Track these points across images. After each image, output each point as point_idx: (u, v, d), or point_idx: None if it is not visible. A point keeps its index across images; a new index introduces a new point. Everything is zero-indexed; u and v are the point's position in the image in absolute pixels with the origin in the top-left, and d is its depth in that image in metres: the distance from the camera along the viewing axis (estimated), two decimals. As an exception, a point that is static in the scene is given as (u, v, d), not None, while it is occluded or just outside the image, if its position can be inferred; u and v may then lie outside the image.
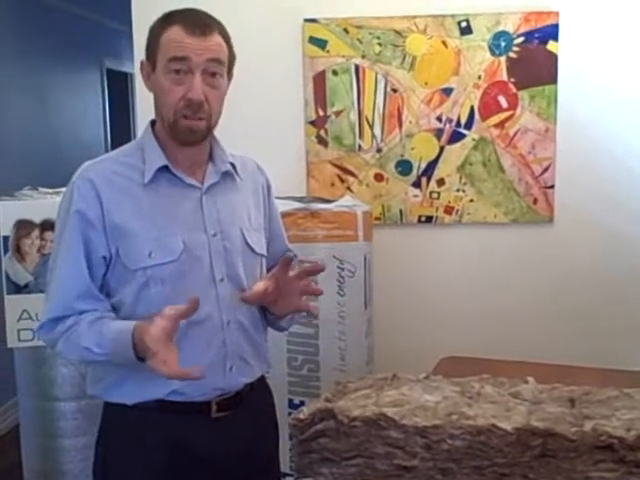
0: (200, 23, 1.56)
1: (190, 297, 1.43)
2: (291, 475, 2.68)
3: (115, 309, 1.60)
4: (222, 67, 1.58)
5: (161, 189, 1.59)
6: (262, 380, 1.77)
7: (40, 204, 2.72)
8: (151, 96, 1.62)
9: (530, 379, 1.83)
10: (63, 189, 1.63)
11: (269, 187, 1.81)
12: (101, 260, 1.57)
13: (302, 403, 2.56)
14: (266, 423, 1.80)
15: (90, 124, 5.97)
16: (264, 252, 1.73)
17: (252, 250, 1.68)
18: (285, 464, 2.53)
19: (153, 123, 1.66)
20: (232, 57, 1.62)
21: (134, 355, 1.48)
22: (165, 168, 1.59)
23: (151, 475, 1.59)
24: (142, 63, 1.62)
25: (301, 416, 1.66)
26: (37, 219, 2.71)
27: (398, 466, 1.59)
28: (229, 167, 1.68)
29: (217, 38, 1.57)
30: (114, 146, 5.89)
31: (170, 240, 1.57)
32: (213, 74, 1.56)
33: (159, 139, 1.62)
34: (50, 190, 2.85)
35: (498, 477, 1.53)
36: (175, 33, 1.54)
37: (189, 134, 1.58)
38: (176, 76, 1.54)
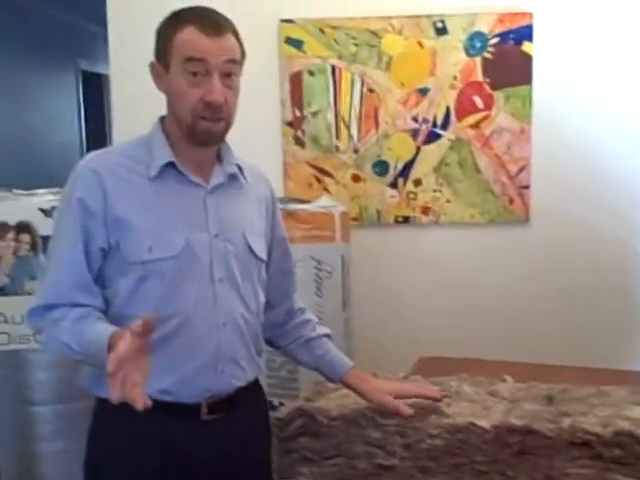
0: (214, 23, 1.54)
1: (144, 317, 1.31)
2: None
3: (107, 301, 1.57)
4: (237, 67, 1.57)
5: (166, 185, 1.58)
6: (256, 383, 1.73)
7: (15, 206, 2.67)
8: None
9: (508, 378, 1.85)
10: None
11: (274, 200, 1.79)
12: (99, 251, 1.55)
13: (282, 404, 2.56)
14: (259, 427, 1.74)
15: (65, 125, 5.93)
16: (265, 257, 1.71)
17: (254, 254, 1.66)
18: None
19: (163, 119, 1.64)
20: (244, 55, 1.60)
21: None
22: (171, 164, 1.58)
23: (143, 477, 1.57)
24: (153, 64, 1.59)
25: (280, 415, 1.66)
26: (12, 221, 2.67)
27: (378, 465, 1.60)
28: (235, 169, 1.66)
29: (231, 37, 1.55)
30: (90, 148, 5.86)
31: (171, 236, 1.55)
32: (229, 75, 1.55)
33: (168, 136, 1.61)
34: (25, 192, 2.81)
35: (477, 474, 1.54)
36: (190, 34, 1.52)
37: (208, 136, 1.58)
38: (193, 78, 1.52)
